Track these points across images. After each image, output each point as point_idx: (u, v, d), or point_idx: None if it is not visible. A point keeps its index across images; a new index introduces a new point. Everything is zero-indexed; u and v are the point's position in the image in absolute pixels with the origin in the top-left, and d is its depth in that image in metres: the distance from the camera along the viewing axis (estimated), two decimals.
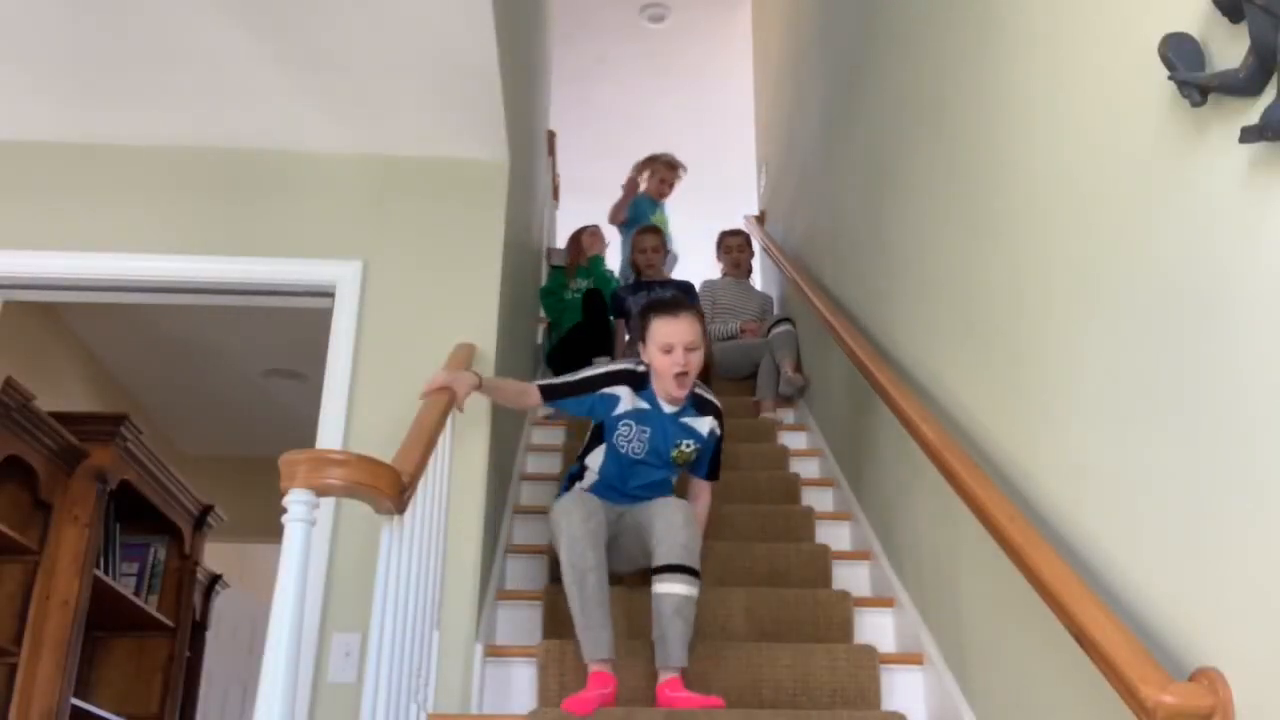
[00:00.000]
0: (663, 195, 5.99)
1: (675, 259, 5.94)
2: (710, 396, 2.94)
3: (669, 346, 2.76)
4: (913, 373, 2.91)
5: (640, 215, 5.84)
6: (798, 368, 4.70)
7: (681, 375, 2.77)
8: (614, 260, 5.94)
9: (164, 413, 5.33)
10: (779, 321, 4.93)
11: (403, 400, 2.76)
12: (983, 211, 2.40)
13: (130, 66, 2.82)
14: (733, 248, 5.52)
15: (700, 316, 2.85)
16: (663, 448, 2.83)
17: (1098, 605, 1.61)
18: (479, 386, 2.68)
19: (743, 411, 4.65)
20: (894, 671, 2.72)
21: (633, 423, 2.81)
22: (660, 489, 2.86)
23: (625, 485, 2.84)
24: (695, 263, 6.21)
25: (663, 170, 5.98)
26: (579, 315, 5.14)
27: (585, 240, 5.56)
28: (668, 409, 2.84)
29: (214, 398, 5.19)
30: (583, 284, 5.37)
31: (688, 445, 2.84)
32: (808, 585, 3.19)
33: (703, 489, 3.00)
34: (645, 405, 2.83)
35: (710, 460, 2.96)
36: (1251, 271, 1.37)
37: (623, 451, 2.81)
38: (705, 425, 2.89)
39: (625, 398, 2.83)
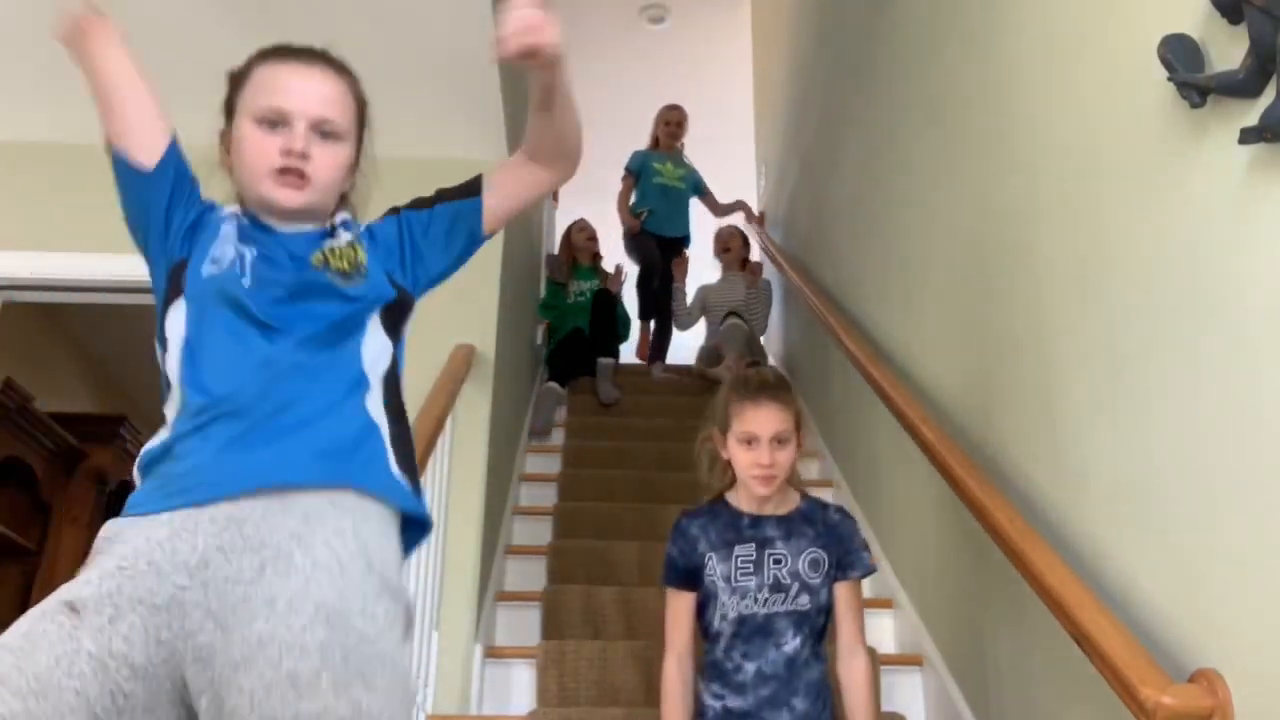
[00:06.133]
0: (676, 140, 5.75)
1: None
2: None
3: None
4: (912, 373, 2.91)
5: (646, 171, 5.56)
6: (748, 362, 4.53)
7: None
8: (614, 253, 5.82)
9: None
10: (727, 315, 4.93)
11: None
12: (982, 212, 2.40)
13: None
14: (722, 236, 5.60)
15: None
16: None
17: (1097, 606, 1.61)
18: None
19: None
20: (894, 672, 2.71)
21: None
22: None
23: None
24: (699, 265, 6.19)
25: (665, 114, 5.77)
26: (584, 317, 5.06)
27: (576, 238, 5.40)
28: None
29: None
30: (583, 285, 5.28)
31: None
32: None
33: None
34: None
35: None
36: (1251, 272, 1.37)
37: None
38: None
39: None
